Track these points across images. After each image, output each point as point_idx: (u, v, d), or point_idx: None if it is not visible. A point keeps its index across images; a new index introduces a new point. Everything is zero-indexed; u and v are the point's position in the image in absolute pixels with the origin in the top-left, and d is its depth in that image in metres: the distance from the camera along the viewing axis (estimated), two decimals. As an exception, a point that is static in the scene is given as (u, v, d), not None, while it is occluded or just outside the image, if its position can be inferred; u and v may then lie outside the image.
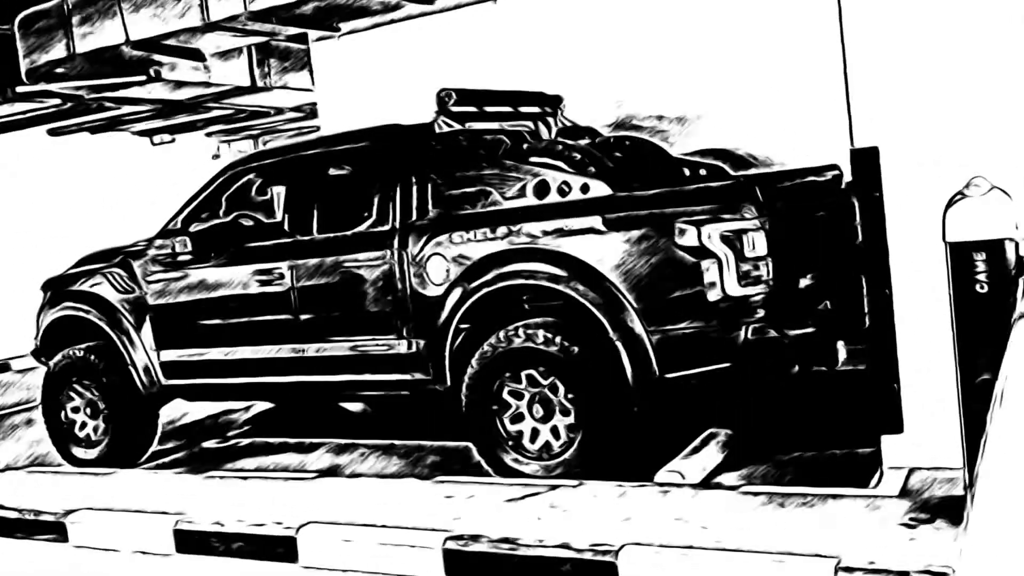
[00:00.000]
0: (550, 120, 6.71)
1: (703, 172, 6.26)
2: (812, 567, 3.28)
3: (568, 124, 6.74)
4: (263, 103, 10.98)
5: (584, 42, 7.34)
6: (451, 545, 3.96)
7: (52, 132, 11.64)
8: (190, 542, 4.63)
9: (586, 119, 6.98)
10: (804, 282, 4.96)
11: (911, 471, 4.18)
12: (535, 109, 6.58)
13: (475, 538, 3.94)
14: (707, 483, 4.69)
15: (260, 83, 9.79)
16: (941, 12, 4.00)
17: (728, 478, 4.84)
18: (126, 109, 10.28)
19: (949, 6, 3.98)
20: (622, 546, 3.65)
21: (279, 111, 12.12)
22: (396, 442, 6.38)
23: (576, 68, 7.29)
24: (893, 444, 4.28)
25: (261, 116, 12.22)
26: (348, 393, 5.75)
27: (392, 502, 4.62)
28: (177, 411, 8.23)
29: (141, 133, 12.92)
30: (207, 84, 9.03)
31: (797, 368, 4.67)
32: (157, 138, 13.28)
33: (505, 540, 3.90)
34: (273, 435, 7.20)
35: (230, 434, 7.42)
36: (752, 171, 6.40)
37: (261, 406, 8.23)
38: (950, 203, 3.43)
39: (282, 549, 4.36)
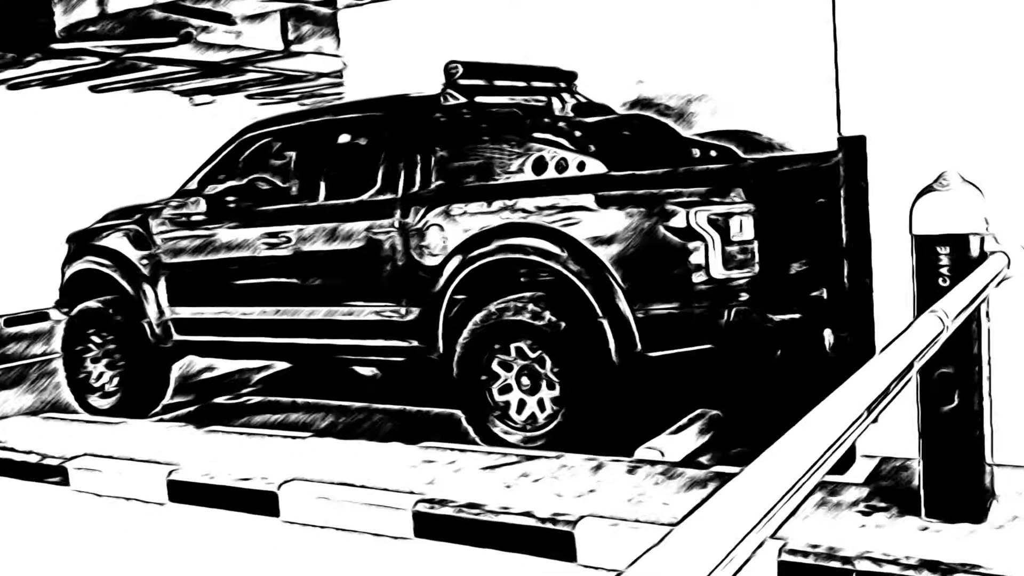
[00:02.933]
0: (565, 95, 6.74)
1: (713, 153, 6.26)
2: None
3: (583, 100, 6.76)
4: (299, 67, 11.12)
5: (607, 18, 7.34)
6: (421, 508, 4.08)
7: (94, 89, 11.91)
8: (181, 492, 4.81)
9: (607, 96, 7.00)
10: (796, 268, 4.98)
11: (883, 460, 4.22)
12: (549, 84, 6.61)
13: (443, 502, 4.06)
14: (684, 462, 4.75)
15: (293, 47, 9.92)
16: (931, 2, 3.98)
17: (708, 458, 4.89)
18: (163, 69, 10.49)
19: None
20: (580, 517, 3.75)
21: (317, 75, 12.25)
22: (397, 407, 6.52)
23: (598, 44, 7.30)
24: (868, 433, 4.32)
25: (298, 80, 12.37)
26: (348, 357, 5.89)
27: (376, 464, 4.76)
28: (196, 366, 8.49)
29: (182, 93, 13.15)
30: (238, 47, 9.18)
31: (780, 352, 4.70)
32: (197, 98, 13.51)
33: (472, 505, 4.01)
34: (285, 395, 7.38)
35: (243, 391, 7.62)
36: (763, 155, 6.39)
37: (279, 366, 8.44)
38: (919, 196, 3.44)
39: (265, 503, 4.52)
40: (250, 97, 14.39)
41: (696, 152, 6.24)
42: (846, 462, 4.31)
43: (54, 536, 4.58)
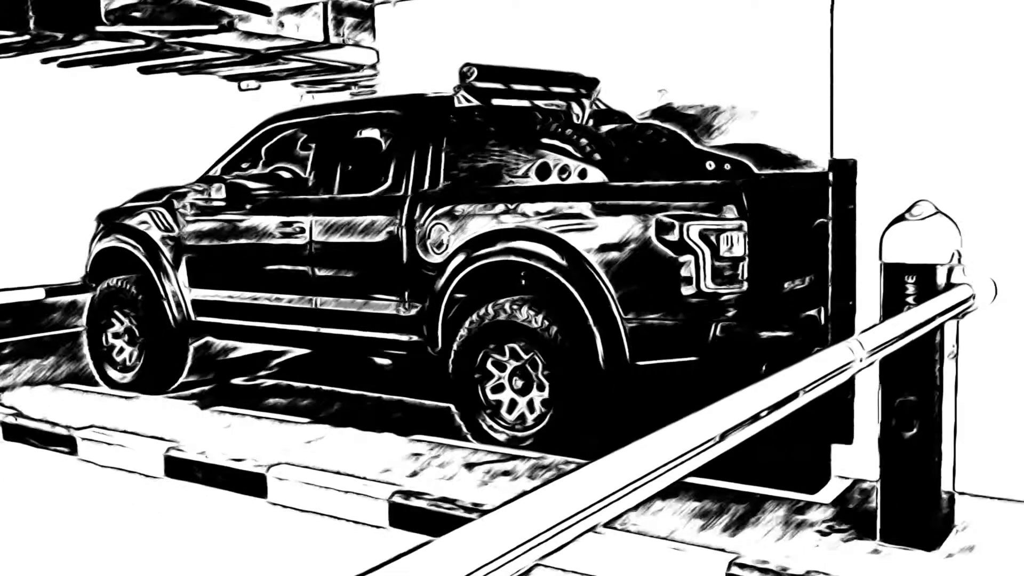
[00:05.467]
0: (584, 102, 6.81)
1: (727, 167, 6.30)
2: (707, 559, 3.43)
3: (602, 107, 6.83)
4: (338, 58, 11.29)
5: (636, 27, 7.39)
6: (396, 499, 4.21)
7: (142, 70, 12.21)
8: (177, 468, 5.00)
9: (630, 104, 7.04)
10: (790, 286, 5.02)
11: (855, 482, 4.26)
12: (569, 90, 6.68)
13: (417, 494, 4.19)
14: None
15: (333, 39, 10.10)
16: (929, 24, 4.01)
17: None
18: (208, 54, 10.72)
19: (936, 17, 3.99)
20: (545, 518, 3.84)
21: (358, 67, 12.43)
22: (400, 398, 6.65)
23: (625, 51, 7.36)
24: (843, 454, 4.36)
25: (341, 71, 12.55)
26: (352, 348, 6.04)
27: (365, 453, 4.90)
28: (220, 346, 8.71)
29: (229, 78, 13.41)
30: (279, 37, 9.38)
31: (764, 368, 4.75)
32: (244, 84, 13.77)
33: (445, 500, 4.13)
34: (299, 380, 7.56)
35: (259, 374, 7.82)
36: (775, 171, 6.40)
37: (297, 350, 8.62)
38: (890, 225, 3.48)
39: (253, 484, 4.68)
40: (296, 85, 14.63)
41: (710, 165, 6.28)
42: (818, 481, 4.36)
43: (55, 501, 4.79)
